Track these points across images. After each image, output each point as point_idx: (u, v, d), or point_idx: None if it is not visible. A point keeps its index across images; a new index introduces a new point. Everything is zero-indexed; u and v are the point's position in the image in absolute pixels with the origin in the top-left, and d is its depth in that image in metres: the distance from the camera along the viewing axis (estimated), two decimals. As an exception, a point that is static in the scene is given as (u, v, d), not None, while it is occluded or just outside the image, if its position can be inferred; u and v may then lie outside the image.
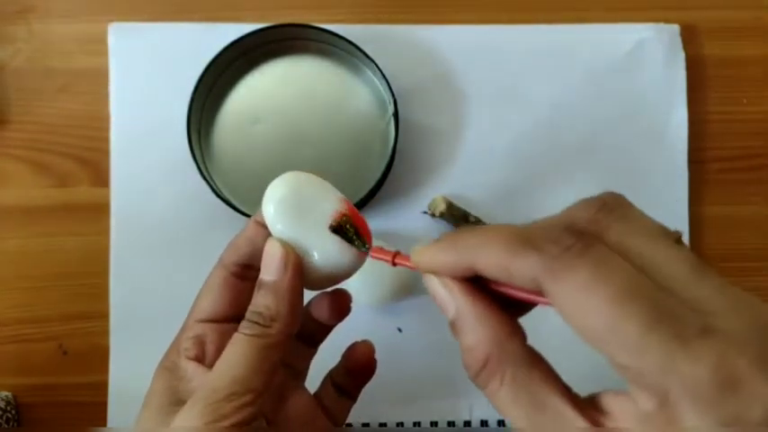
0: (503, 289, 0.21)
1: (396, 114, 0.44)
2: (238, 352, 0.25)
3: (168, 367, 0.27)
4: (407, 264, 0.25)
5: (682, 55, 0.49)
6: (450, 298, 0.21)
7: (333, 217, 0.26)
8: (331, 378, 0.32)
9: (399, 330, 0.47)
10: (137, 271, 0.46)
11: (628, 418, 0.18)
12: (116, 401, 0.45)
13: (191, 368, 0.27)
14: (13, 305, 0.46)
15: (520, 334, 0.21)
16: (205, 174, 0.43)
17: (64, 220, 0.47)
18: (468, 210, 0.46)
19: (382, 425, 0.45)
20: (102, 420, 0.45)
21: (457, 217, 0.46)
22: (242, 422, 0.24)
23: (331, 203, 0.27)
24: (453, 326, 0.22)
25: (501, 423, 0.46)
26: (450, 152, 0.48)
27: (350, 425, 0.45)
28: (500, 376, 0.20)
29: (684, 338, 0.16)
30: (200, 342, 0.27)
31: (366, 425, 0.45)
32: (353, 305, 0.45)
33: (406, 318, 0.47)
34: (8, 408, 0.44)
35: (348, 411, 0.33)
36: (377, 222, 0.47)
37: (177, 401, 0.25)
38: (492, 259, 0.20)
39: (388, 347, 0.46)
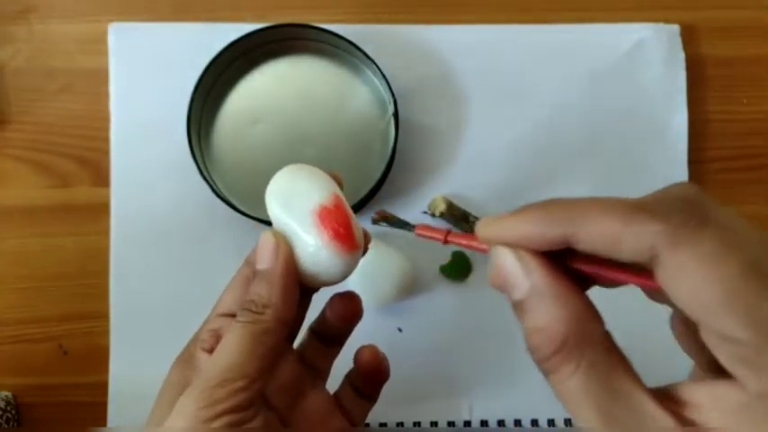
0: (594, 270, 0.20)
1: (396, 114, 0.44)
2: (232, 340, 0.25)
3: (185, 359, 0.28)
4: (464, 242, 0.24)
5: (681, 55, 0.49)
6: (524, 273, 0.20)
7: (315, 210, 0.26)
8: (349, 380, 0.33)
9: (399, 330, 0.47)
10: (137, 271, 0.46)
11: (724, 408, 0.17)
12: (116, 401, 0.45)
13: (203, 359, 0.27)
14: (13, 305, 0.47)
15: (600, 317, 0.20)
16: (205, 174, 0.43)
17: (64, 221, 0.47)
18: (468, 210, 0.46)
19: (382, 425, 0.45)
20: (102, 420, 0.45)
21: (457, 217, 0.46)
22: (236, 407, 0.24)
23: (320, 195, 0.27)
24: (521, 306, 0.20)
25: (501, 423, 0.46)
26: (450, 152, 0.48)
27: (350, 425, 0.45)
28: (576, 361, 0.19)
29: None
30: (217, 335, 0.28)
31: (366, 425, 0.45)
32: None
33: (406, 318, 0.47)
34: (8, 408, 0.44)
35: (367, 412, 0.33)
36: (377, 222, 0.47)
37: None
38: (601, 228, 0.18)
39: (388, 347, 0.46)
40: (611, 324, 0.18)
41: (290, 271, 0.26)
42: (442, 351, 0.46)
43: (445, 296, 0.47)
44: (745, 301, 0.16)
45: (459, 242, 0.24)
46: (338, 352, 0.33)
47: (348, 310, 0.32)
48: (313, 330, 0.33)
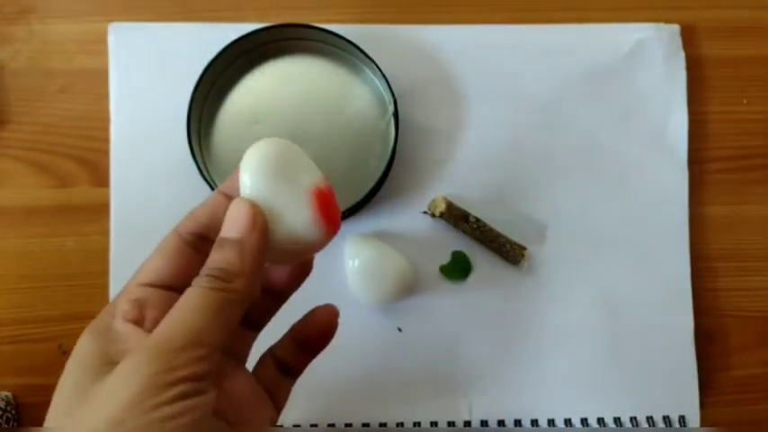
0: None
1: (396, 114, 0.44)
2: (195, 304, 0.23)
3: (98, 330, 0.25)
4: None
5: (682, 55, 0.49)
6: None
7: (312, 190, 0.26)
8: (273, 356, 0.30)
9: (399, 330, 0.47)
10: None
11: None
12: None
13: (128, 330, 0.24)
14: (12, 305, 0.46)
15: None
16: (205, 173, 0.43)
17: (64, 221, 0.47)
18: (468, 210, 0.46)
19: (382, 425, 0.45)
20: (102, 420, 0.45)
21: (457, 217, 0.46)
22: (195, 376, 0.22)
23: (312, 177, 0.26)
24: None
25: (501, 423, 0.46)
26: (449, 152, 0.48)
27: (349, 425, 0.45)
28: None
29: None
30: (140, 305, 0.25)
31: (366, 425, 0.45)
32: (354, 305, 0.46)
33: (406, 318, 0.47)
34: (8, 408, 0.44)
35: (288, 392, 0.30)
36: (377, 222, 0.47)
37: (110, 363, 0.23)
38: None
39: (388, 348, 0.47)
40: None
41: (264, 243, 0.25)
42: (442, 351, 0.46)
43: (445, 296, 0.47)
44: None
45: None
46: (257, 336, 0.30)
47: (302, 264, 0.29)
48: None
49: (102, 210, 0.47)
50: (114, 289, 0.46)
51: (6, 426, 0.43)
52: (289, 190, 0.26)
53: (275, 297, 0.30)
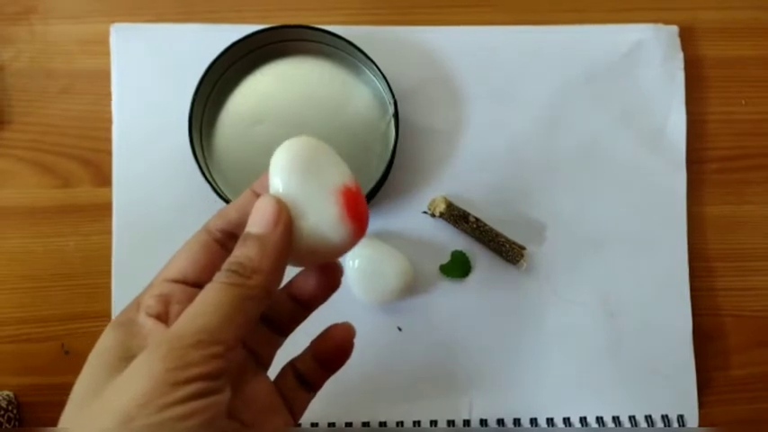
0: None
1: (396, 115, 0.44)
2: (212, 299, 0.22)
3: (122, 323, 0.24)
4: None
5: (680, 55, 0.50)
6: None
7: (340, 188, 0.25)
8: (293, 367, 0.29)
9: (399, 330, 0.47)
10: (138, 271, 0.46)
11: None
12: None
13: (150, 324, 0.24)
14: (15, 305, 0.47)
15: None
16: (206, 174, 0.44)
17: (66, 221, 0.47)
18: (467, 210, 0.46)
19: (382, 424, 0.45)
20: (104, 419, 0.45)
21: (457, 217, 0.46)
22: (209, 374, 0.21)
23: (341, 175, 0.26)
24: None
25: (500, 422, 0.46)
26: (449, 152, 0.48)
27: (350, 424, 0.45)
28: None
29: None
30: (165, 301, 0.25)
31: (366, 424, 0.45)
32: (354, 304, 0.46)
33: (406, 317, 0.47)
34: (9, 407, 0.44)
35: (306, 406, 0.30)
36: (377, 222, 0.47)
37: (128, 357, 0.22)
38: None
39: (388, 347, 0.47)
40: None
41: (288, 240, 0.24)
42: (442, 350, 0.47)
43: (445, 296, 0.47)
44: None
45: None
46: (283, 341, 0.30)
47: (329, 276, 0.29)
48: (262, 315, 0.29)
49: (104, 210, 0.47)
50: (117, 289, 0.46)
51: (8, 425, 0.43)
52: (316, 187, 0.25)
53: (303, 305, 0.29)
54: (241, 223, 0.26)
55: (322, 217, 0.25)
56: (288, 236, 0.24)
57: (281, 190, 0.25)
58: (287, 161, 0.25)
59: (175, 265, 0.26)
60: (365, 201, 0.27)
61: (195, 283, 0.26)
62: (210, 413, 0.21)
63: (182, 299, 0.25)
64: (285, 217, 0.24)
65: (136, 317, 0.25)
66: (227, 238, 0.27)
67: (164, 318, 0.25)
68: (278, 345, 0.30)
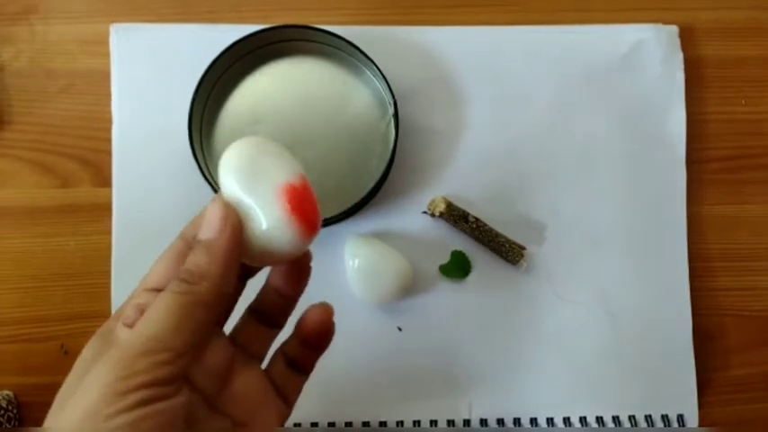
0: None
1: (396, 115, 0.44)
2: (161, 308, 0.23)
3: (102, 334, 0.25)
4: None
5: (680, 55, 0.50)
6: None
7: (282, 187, 0.25)
8: (283, 353, 0.30)
9: (399, 330, 0.47)
10: (138, 271, 0.45)
11: None
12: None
13: (123, 334, 0.24)
14: (14, 305, 0.47)
15: None
16: (206, 174, 0.44)
17: (66, 221, 0.47)
18: (467, 210, 0.46)
19: (382, 424, 0.45)
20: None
21: (456, 217, 0.46)
22: (156, 381, 0.22)
23: (286, 173, 0.25)
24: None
25: (500, 422, 0.46)
26: (449, 153, 0.48)
27: (350, 424, 0.45)
28: None
29: None
30: (141, 310, 0.25)
31: (366, 424, 0.45)
32: (354, 304, 0.46)
33: (406, 317, 0.47)
34: (9, 407, 0.44)
35: (300, 389, 0.30)
36: (377, 222, 0.47)
37: None
38: None
39: (387, 347, 0.47)
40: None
41: (235, 244, 0.24)
42: (442, 350, 0.47)
43: (445, 296, 0.47)
44: None
45: None
46: (277, 333, 0.30)
47: (298, 268, 0.29)
48: (252, 310, 0.30)
49: (103, 210, 0.47)
50: (116, 289, 0.46)
51: (8, 425, 0.44)
52: (262, 188, 0.25)
53: (286, 298, 0.30)
54: None
55: (268, 218, 0.25)
56: (235, 239, 0.24)
57: (229, 193, 0.25)
58: (231, 163, 0.25)
59: (153, 274, 0.26)
60: (313, 197, 0.26)
61: None
62: (159, 419, 0.22)
63: None
64: (232, 221, 0.24)
65: (114, 326, 0.25)
66: None
67: None
68: (272, 337, 0.30)
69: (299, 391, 0.30)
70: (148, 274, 0.27)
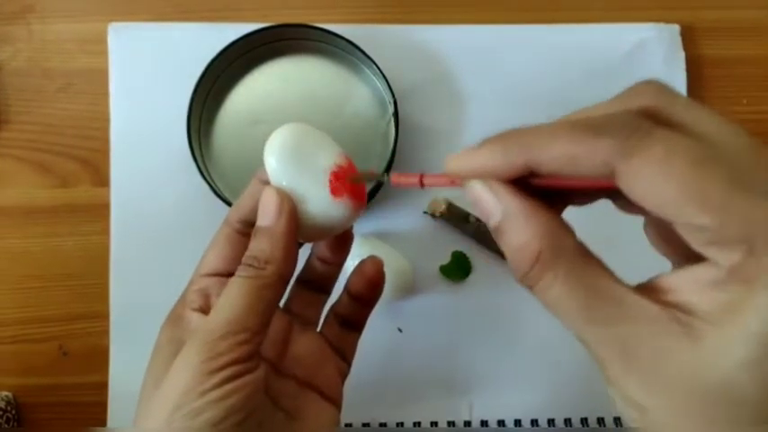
0: (557, 182, 0.21)
1: (396, 114, 0.44)
2: (234, 293, 0.25)
3: (173, 320, 0.28)
4: (439, 181, 0.24)
5: (681, 55, 0.49)
6: (496, 201, 0.22)
7: (331, 168, 0.27)
8: (335, 314, 0.33)
9: (399, 330, 0.47)
10: (137, 271, 0.46)
11: (701, 287, 0.18)
12: (116, 401, 0.45)
13: (195, 318, 0.28)
14: (13, 305, 0.46)
15: (571, 229, 0.21)
16: (205, 174, 0.43)
17: (64, 221, 0.47)
18: (468, 210, 0.46)
19: (382, 425, 0.45)
20: (102, 420, 0.45)
21: (457, 217, 0.46)
22: (238, 359, 0.24)
23: (330, 156, 0.28)
24: (498, 230, 0.22)
25: (501, 423, 0.46)
26: (449, 152, 0.48)
27: (350, 425, 0.45)
28: (553, 271, 0.20)
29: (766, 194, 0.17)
30: (204, 294, 0.28)
31: (366, 425, 0.45)
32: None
33: (406, 318, 0.47)
34: (8, 408, 0.44)
35: (356, 345, 0.33)
36: (377, 222, 0.47)
37: (179, 351, 0.26)
38: (559, 150, 0.20)
39: (388, 347, 0.47)
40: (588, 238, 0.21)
41: (293, 228, 0.27)
42: (442, 351, 0.46)
43: (445, 296, 0.47)
44: (698, 190, 0.17)
45: (434, 182, 0.25)
46: (326, 299, 0.33)
47: (339, 238, 0.31)
48: (301, 280, 0.33)
49: (102, 210, 0.47)
50: (115, 288, 0.46)
51: (6, 426, 0.43)
52: (310, 172, 0.27)
53: (331, 266, 0.32)
54: (255, 211, 0.28)
55: (319, 199, 0.27)
56: (293, 223, 0.27)
57: (279, 178, 0.27)
58: (279, 149, 0.27)
59: (206, 261, 0.30)
60: (359, 173, 0.29)
61: (229, 273, 0.28)
62: (245, 391, 0.24)
63: (218, 290, 0.28)
64: (288, 206, 0.26)
65: (183, 312, 0.28)
66: (246, 227, 0.29)
67: (206, 309, 0.28)
68: (323, 302, 0.33)
69: (354, 347, 0.33)
70: (202, 261, 0.30)
